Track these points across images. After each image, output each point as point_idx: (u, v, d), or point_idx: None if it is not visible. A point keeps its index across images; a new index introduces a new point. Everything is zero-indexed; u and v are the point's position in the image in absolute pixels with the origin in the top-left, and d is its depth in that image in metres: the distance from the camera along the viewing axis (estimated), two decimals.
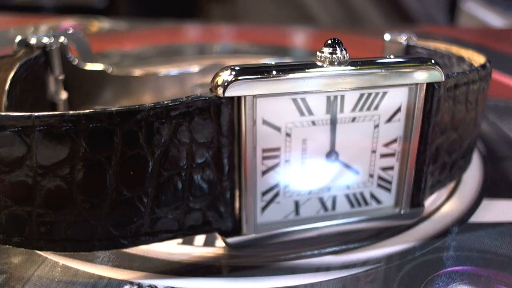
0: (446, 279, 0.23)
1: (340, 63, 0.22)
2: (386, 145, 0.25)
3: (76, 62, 0.35)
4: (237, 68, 0.21)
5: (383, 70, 0.22)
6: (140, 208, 0.21)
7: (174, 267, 0.24)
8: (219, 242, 0.25)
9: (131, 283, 0.23)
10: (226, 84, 0.21)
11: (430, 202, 0.29)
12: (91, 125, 0.19)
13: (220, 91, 0.21)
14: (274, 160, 0.23)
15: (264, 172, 0.23)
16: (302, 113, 0.23)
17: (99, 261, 0.24)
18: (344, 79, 0.22)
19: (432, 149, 0.25)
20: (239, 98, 0.21)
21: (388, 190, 0.26)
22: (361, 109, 0.23)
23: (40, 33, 0.34)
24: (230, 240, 0.24)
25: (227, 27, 0.75)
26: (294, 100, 0.22)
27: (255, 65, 0.21)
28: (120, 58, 0.57)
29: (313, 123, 0.23)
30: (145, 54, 0.59)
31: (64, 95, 0.35)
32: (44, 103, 0.33)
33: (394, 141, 0.25)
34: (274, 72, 0.21)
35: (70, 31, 0.35)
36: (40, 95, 0.33)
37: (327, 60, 0.22)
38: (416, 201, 0.26)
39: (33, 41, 0.32)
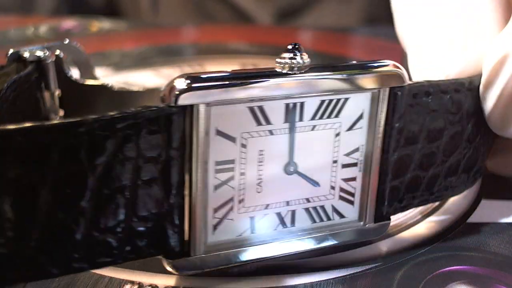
0: (444, 278, 0.23)
1: (300, 69, 0.21)
2: (348, 154, 0.23)
3: (73, 76, 0.32)
4: (191, 76, 0.20)
5: (345, 75, 0.21)
6: (75, 231, 0.19)
7: None
8: None
9: (132, 283, 0.23)
10: (178, 92, 0.19)
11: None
12: (26, 141, 0.17)
13: (171, 100, 0.19)
14: (227, 174, 0.21)
15: (216, 187, 0.21)
16: (259, 123, 0.21)
17: None
18: (304, 85, 0.21)
19: (394, 159, 0.23)
20: (191, 107, 0.20)
21: (351, 202, 0.24)
22: (321, 117, 0.22)
23: (38, 42, 0.31)
24: (176, 263, 0.21)
25: (227, 27, 0.75)
26: (251, 109, 0.21)
27: (210, 72, 0.20)
28: (120, 58, 0.57)
29: (271, 132, 0.22)
30: (145, 54, 0.59)
31: (60, 112, 0.32)
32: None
33: (356, 150, 0.23)
34: (230, 80, 0.20)
35: (66, 42, 0.33)
36: (34, 114, 0.30)
37: (287, 66, 0.21)
38: (380, 214, 0.24)
39: (26, 54, 0.29)
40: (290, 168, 0.22)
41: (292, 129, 0.22)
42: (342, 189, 0.24)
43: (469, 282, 0.23)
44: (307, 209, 0.23)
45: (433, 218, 0.28)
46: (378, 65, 0.22)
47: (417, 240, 0.26)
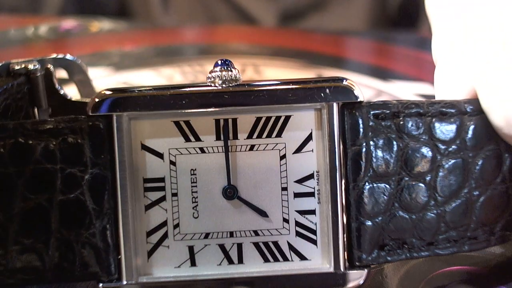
0: (444, 278, 0.23)
1: (230, 82, 0.20)
2: (300, 181, 0.21)
3: (62, 92, 0.30)
4: (114, 88, 0.20)
5: (281, 88, 0.20)
6: (5, 239, 0.19)
7: None
8: None
9: None
10: (95, 102, 0.19)
11: None
12: None
13: (90, 110, 0.19)
14: (158, 193, 0.20)
15: (147, 207, 0.20)
16: (187, 139, 0.20)
17: None
18: (232, 99, 0.20)
19: (363, 190, 0.20)
20: (111, 119, 0.19)
21: (313, 242, 0.21)
22: (259, 136, 0.20)
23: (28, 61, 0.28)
24: (107, 286, 0.20)
25: (226, 27, 0.75)
26: (176, 123, 0.20)
27: (137, 87, 0.20)
28: (120, 58, 0.57)
29: (202, 150, 0.20)
30: (145, 54, 0.59)
31: None
32: None
33: (310, 176, 0.21)
34: (149, 90, 0.20)
35: (60, 56, 0.31)
36: None
37: (217, 79, 0.20)
38: (353, 260, 0.20)
39: (16, 67, 0.27)
40: (229, 192, 0.20)
41: (226, 148, 0.20)
42: (298, 224, 0.21)
43: (469, 282, 0.23)
44: (256, 244, 0.21)
45: None
46: (321, 80, 0.20)
47: None
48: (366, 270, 0.21)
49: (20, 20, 0.73)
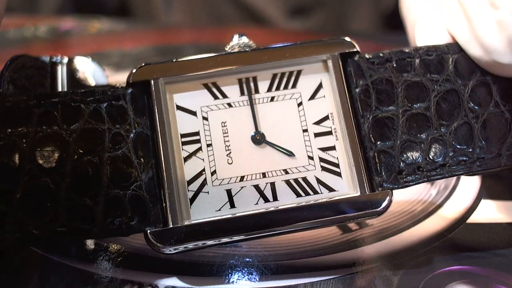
0: (444, 278, 0.23)
1: (246, 47, 0.23)
2: (318, 123, 0.24)
3: (83, 80, 0.31)
4: (148, 62, 0.23)
5: (291, 45, 0.24)
6: (55, 192, 0.20)
7: (174, 267, 0.24)
8: None
9: (132, 283, 0.23)
10: (134, 71, 0.23)
11: (429, 202, 0.29)
12: (7, 104, 0.20)
13: (130, 78, 0.22)
14: (194, 145, 0.23)
15: (185, 159, 0.23)
16: (215, 97, 0.23)
17: (100, 261, 0.24)
18: (250, 58, 0.23)
19: (370, 123, 0.23)
20: (149, 85, 0.22)
21: (338, 174, 0.23)
22: (277, 88, 0.24)
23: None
24: (156, 233, 0.21)
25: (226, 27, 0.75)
26: (205, 85, 0.23)
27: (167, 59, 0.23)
28: (120, 58, 0.57)
29: (229, 105, 0.23)
30: (145, 54, 0.59)
31: None
32: None
33: (326, 118, 0.24)
34: (179, 59, 0.23)
35: (75, 58, 0.31)
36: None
37: (236, 46, 0.23)
38: (374, 185, 0.23)
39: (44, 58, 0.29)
40: (258, 138, 0.23)
41: (250, 101, 0.23)
42: (322, 159, 0.23)
43: (469, 282, 0.23)
44: (287, 182, 0.23)
45: (433, 218, 0.28)
46: (324, 39, 0.24)
47: (417, 240, 0.26)
48: (390, 191, 0.23)
49: (19, 20, 0.73)
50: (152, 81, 0.23)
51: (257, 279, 0.23)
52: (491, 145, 0.24)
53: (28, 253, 0.24)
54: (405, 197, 0.29)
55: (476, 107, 0.24)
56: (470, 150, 0.24)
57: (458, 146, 0.24)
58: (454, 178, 0.31)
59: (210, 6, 0.77)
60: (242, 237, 0.22)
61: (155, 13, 0.77)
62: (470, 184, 0.31)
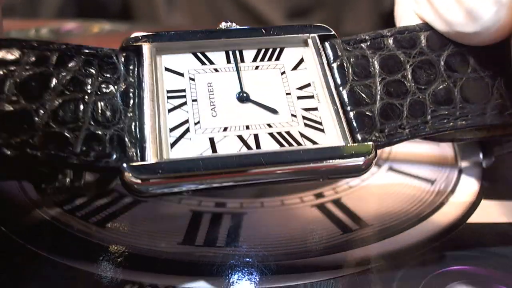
0: (444, 278, 0.23)
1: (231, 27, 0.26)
2: (301, 88, 0.25)
3: None
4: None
5: (274, 28, 0.26)
6: (33, 118, 0.21)
7: (174, 267, 0.24)
8: (220, 242, 0.25)
9: (132, 283, 0.23)
10: (128, 38, 0.24)
11: (429, 202, 0.29)
12: (2, 43, 0.22)
13: (124, 43, 0.24)
14: (180, 100, 0.24)
15: (170, 110, 0.23)
16: (203, 63, 0.25)
17: (100, 261, 0.24)
18: (237, 32, 0.26)
19: (349, 90, 0.24)
20: (141, 49, 0.24)
21: (321, 130, 0.24)
22: (262, 60, 0.26)
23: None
24: (134, 167, 0.21)
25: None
26: (194, 54, 0.25)
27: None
28: None
29: (216, 70, 0.25)
30: None
31: None
32: None
33: (308, 85, 0.25)
34: (171, 32, 0.25)
35: None
36: None
37: (223, 26, 0.26)
38: (356, 140, 0.23)
39: None
40: (242, 95, 0.24)
41: (236, 67, 0.25)
42: (305, 118, 0.24)
43: (469, 282, 0.23)
44: (271, 134, 0.23)
45: (433, 218, 0.28)
46: (305, 24, 0.26)
47: (417, 240, 0.26)
48: (373, 144, 0.23)
49: (21, 23, 0.73)
50: (143, 45, 0.24)
51: (257, 279, 0.23)
52: (473, 105, 0.25)
53: (28, 253, 0.24)
54: (405, 197, 0.29)
55: (453, 73, 0.25)
56: (452, 109, 0.25)
57: (438, 106, 0.25)
58: (454, 179, 0.31)
59: (212, 8, 0.77)
60: (224, 178, 0.22)
61: (158, 16, 0.77)
62: (470, 184, 0.31)
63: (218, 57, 0.25)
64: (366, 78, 0.25)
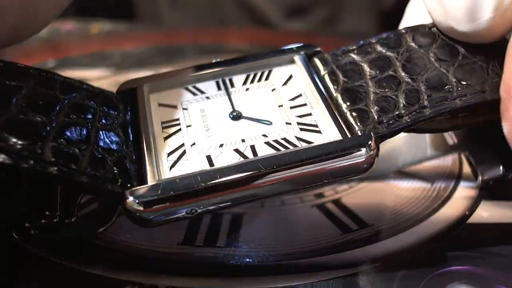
0: (444, 278, 0.23)
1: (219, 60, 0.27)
2: (293, 99, 0.25)
3: None
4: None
5: (261, 52, 0.27)
6: (43, 131, 0.21)
7: (174, 267, 0.24)
8: (220, 242, 0.26)
9: (132, 283, 0.23)
10: (122, 83, 0.26)
11: (429, 203, 0.29)
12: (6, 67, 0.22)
13: (118, 89, 0.26)
14: (175, 128, 0.25)
15: (166, 138, 0.24)
16: (195, 94, 0.26)
17: (100, 261, 0.24)
18: (227, 63, 0.27)
19: (341, 92, 0.25)
20: (135, 90, 0.25)
21: (318, 132, 0.24)
22: (252, 82, 0.26)
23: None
24: (134, 190, 0.21)
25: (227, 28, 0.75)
26: (186, 88, 0.26)
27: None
28: (121, 59, 0.57)
29: (208, 98, 0.26)
30: (146, 54, 0.59)
31: None
32: None
33: (300, 95, 0.26)
34: (161, 72, 0.26)
35: None
36: None
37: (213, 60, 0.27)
38: (356, 132, 0.23)
39: None
40: (235, 114, 0.25)
41: (227, 92, 0.26)
42: (300, 123, 0.24)
43: (469, 282, 0.23)
44: (267, 143, 0.23)
45: (433, 219, 0.28)
46: (291, 45, 0.27)
47: (417, 240, 0.26)
48: (373, 135, 0.23)
49: None
50: (137, 87, 0.26)
51: (257, 279, 0.23)
52: (470, 85, 0.25)
53: (29, 254, 0.24)
54: (405, 197, 0.29)
55: (444, 62, 0.25)
56: (449, 91, 0.24)
57: (433, 90, 0.24)
58: (454, 179, 0.31)
59: (214, 8, 0.77)
60: (224, 191, 0.21)
61: (160, 15, 0.77)
62: (470, 184, 0.31)
63: (208, 87, 0.26)
64: (357, 80, 0.25)
